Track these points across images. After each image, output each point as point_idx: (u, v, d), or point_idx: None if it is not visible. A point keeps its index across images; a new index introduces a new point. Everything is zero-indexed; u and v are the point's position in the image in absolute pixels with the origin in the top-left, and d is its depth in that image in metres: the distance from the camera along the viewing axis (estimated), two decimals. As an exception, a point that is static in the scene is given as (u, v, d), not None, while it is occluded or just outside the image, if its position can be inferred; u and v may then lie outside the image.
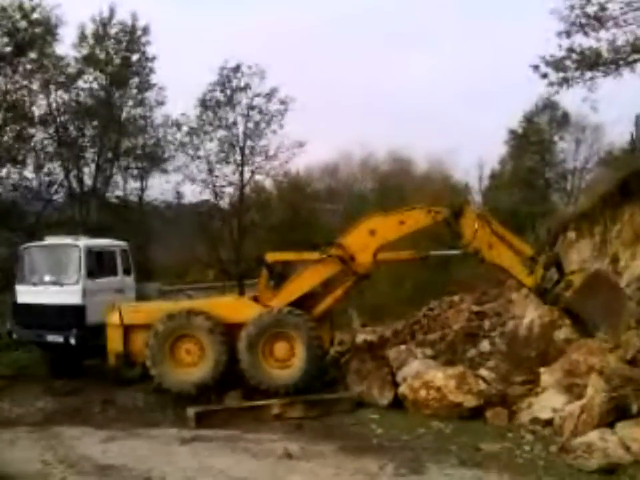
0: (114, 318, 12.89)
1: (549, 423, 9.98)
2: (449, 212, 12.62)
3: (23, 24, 25.98)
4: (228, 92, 32.76)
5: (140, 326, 12.76)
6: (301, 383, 12.17)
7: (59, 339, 14.46)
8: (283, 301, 12.69)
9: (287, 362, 12.35)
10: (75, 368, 15.30)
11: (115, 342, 12.81)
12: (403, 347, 13.84)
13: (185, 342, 12.44)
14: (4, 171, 26.96)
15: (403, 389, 11.83)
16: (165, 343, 12.33)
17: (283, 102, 32.71)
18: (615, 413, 9.32)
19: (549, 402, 10.36)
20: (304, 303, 12.84)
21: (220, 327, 12.43)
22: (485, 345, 14.08)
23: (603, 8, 16.13)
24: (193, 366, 12.38)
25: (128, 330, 12.82)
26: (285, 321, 12.34)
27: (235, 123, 33.13)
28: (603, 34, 16.31)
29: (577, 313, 11.71)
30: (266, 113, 32.92)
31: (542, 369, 11.37)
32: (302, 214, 35.56)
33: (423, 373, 11.82)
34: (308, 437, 10.42)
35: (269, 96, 32.70)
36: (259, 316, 12.40)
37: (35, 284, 15.13)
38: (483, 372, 11.88)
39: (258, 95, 32.78)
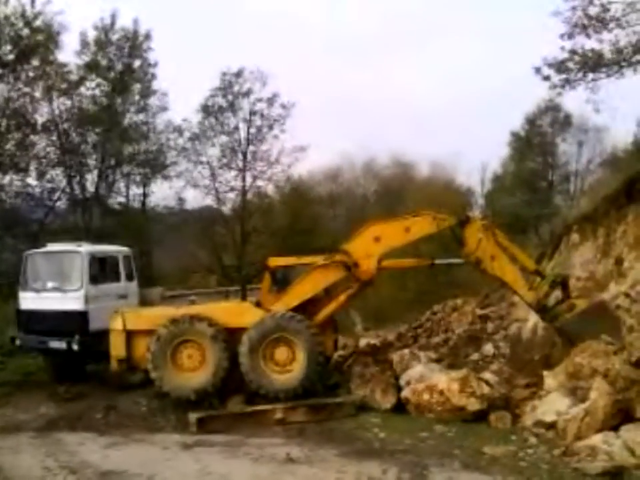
0: (117, 323, 12.89)
1: (552, 426, 9.93)
2: (455, 220, 12.61)
3: (25, 31, 26.01)
4: (230, 97, 32.87)
5: (143, 331, 12.77)
6: (301, 388, 12.14)
7: (62, 345, 14.44)
8: (285, 306, 12.68)
9: (288, 367, 12.33)
10: (77, 374, 15.30)
11: (117, 347, 12.81)
12: (406, 350, 13.80)
13: (187, 347, 12.44)
14: (7, 178, 26.99)
15: (406, 393, 11.79)
16: (166, 348, 12.33)
17: (284, 107, 32.82)
18: (619, 416, 9.31)
19: (552, 405, 10.30)
20: (307, 307, 12.84)
21: (222, 334, 12.43)
22: (488, 348, 14.07)
23: (605, 9, 16.08)
24: (194, 371, 12.38)
25: (131, 335, 12.83)
26: (286, 326, 12.32)
27: (236, 128, 33.25)
28: (605, 35, 16.26)
29: (571, 336, 11.60)
30: (268, 118, 33.03)
31: (545, 372, 11.33)
32: (304, 219, 35.53)
33: (426, 377, 11.79)
34: (310, 441, 10.38)
35: (271, 101, 32.80)
36: (260, 320, 12.40)
37: (37, 290, 15.13)
38: (487, 375, 11.83)
39: (260, 100, 32.91)
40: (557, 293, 12.33)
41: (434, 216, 12.57)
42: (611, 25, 16.18)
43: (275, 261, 13.46)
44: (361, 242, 12.68)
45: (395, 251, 13.07)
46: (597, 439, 8.88)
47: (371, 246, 12.55)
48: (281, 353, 12.35)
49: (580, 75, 16.77)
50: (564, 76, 16.91)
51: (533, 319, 13.79)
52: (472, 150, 65.09)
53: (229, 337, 12.48)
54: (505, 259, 12.26)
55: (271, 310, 12.67)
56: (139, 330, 12.82)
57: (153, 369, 12.32)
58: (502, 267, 12.25)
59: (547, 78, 17.22)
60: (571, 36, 16.62)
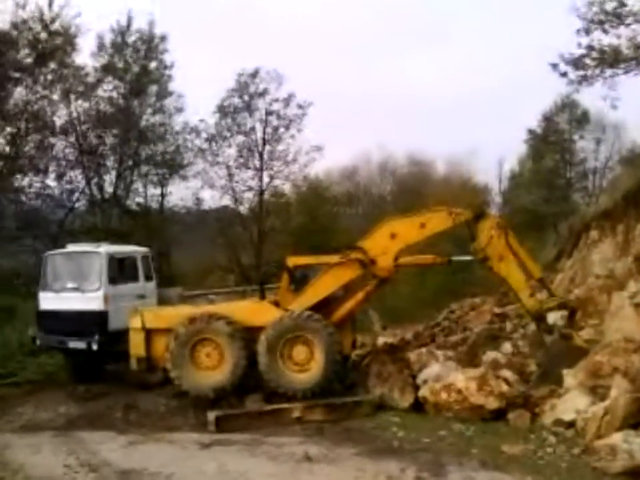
0: (136, 322, 12.95)
1: (571, 424, 9.85)
2: (470, 214, 12.57)
3: (43, 35, 26.27)
4: (246, 98, 32.99)
5: (162, 330, 12.82)
6: (318, 388, 12.14)
7: (82, 344, 14.55)
8: (303, 305, 12.67)
9: (306, 366, 12.33)
10: (97, 373, 15.41)
11: (137, 346, 12.87)
12: (424, 349, 13.78)
13: (205, 346, 12.49)
14: (26, 179, 27.31)
15: (423, 392, 11.76)
16: (185, 346, 12.38)
17: (300, 106, 32.88)
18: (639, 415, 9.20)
19: (572, 403, 10.22)
20: (325, 306, 12.83)
21: (240, 332, 12.47)
22: (506, 347, 13.97)
23: (622, 4, 15.99)
24: (212, 369, 12.43)
25: (150, 334, 12.88)
26: (304, 325, 12.32)
27: (253, 129, 33.42)
28: (622, 30, 16.16)
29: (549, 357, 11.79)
30: (284, 118, 33.12)
31: (565, 371, 11.25)
32: (321, 218, 35.56)
33: (444, 376, 11.75)
34: (328, 440, 10.39)
35: (287, 101, 32.89)
36: (278, 319, 12.41)
37: (57, 291, 15.25)
38: (506, 373, 11.76)
39: (276, 100, 33.03)
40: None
41: (449, 211, 12.54)
42: (628, 20, 16.08)
43: (294, 260, 13.43)
44: (377, 239, 12.65)
45: (413, 248, 13.04)
46: (617, 438, 8.78)
47: (387, 243, 12.52)
48: (299, 352, 12.36)
49: (597, 70, 16.66)
50: (581, 72, 16.82)
51: (552, 317, 13.69)
52: (488, 147, 64.78)
53: (247, 335, 12.51)
54: (512, 261, 12.21)
55: (288, 309, 12.69)
56: (158, 329, 12.88)
57: (172, 368, 12.39)
58: (508, 269, 12.21)
59: (564, 74, 17.16)
60: (587, 31, 16.54)
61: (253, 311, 13.18)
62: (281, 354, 12.29)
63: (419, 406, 11.76)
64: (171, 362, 12.39)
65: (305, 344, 12.35)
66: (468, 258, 13.24)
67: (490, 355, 12.96)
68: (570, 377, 11.04)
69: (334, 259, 12.88)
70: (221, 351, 12.42)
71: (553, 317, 12.44)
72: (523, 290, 12.31)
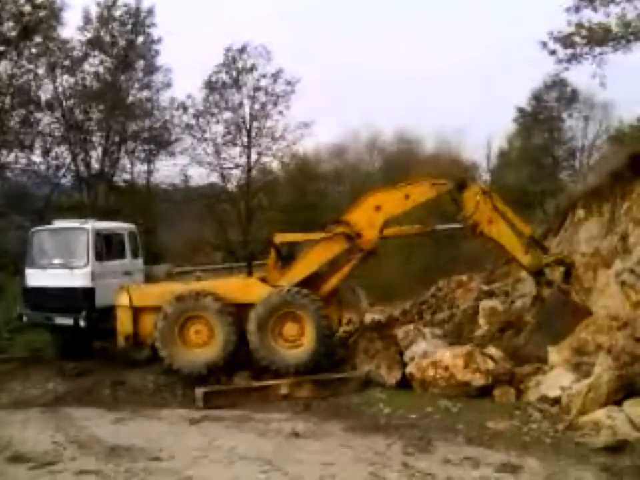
0: (123, 300, 12.94)
1: (556, 401, 9.99)
2: (453, 184, 12.80)
3: (27, 8, 25.86)
4: (234, 73, 32.68)
5: (149, 308, 12.83)
6: (311, 363, 12.24)
7: (69, 321, 14.54)
8: (291, 281, 12.73)
9: (297, 342, 12.42)
10: (84, 350, 15.41)
11: (124, 324, 12.86)
12: (411, 326, 13.84)
13: (194, 323, 12.51)
14: (12, 155, 27.10)
15: (410, 369, 11.86)
16: (174, 325, 12.40)
17: (289, 83, 32.66)
18: (623, 391, 9.36)
19: (556, 380, 10.36)
20: (311, 282, 12.87)
21: (229, 308, 12.50)
22: (492, 324, 14.06)
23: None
24: (203, 346, 12.46)
25: (137, 312, 12.88)
26: (293, 301, 12.38)
27: (241, 105, 33.11)
28: (612, 8, 16.08)
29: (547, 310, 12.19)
30: (272, 94, 32.88)
31: (550, 348, 11.37)
32: (309, 195, 35.48)
33: (431, 353, 11.85)
34: (316, 416, 10.51)
35: (275, 77, 32.64)
36: (267, 297, 12.44)
37: (44, 267, 15.19)
38: (491, 350, 11.87)
39: (264, 76, 32.74)
40: None
41: (432, 182, 12.83)
42: (619, -2, 16.00)
43: (281, 237, 13.47)
44: (362, 212, 12.76)
45: (398, 222, 13.19)
46: (600, 414, 8.94)
47: (372, 215, 12.65)
48: (289, 328, 12.44)
49: (586, 49, 16.61)
50: (570, 50, 16.77)
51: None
52: (477, 125, 64.59)
53: (236, 312, 12.54)
54: (502, 222, 12.47)
55: (277, 286, 12.70)
56: (146, 306, 12.87)
57: (162, 347, 12.40)
58: (499, 231, 12.46)
59: (553, 52, 17.09)
60: (577, 9, 16.45)
61: (242, 287, 13.21)
62: (271, 331, 12.35)
63: (405, 383, 11.88)
64: (160, 341, 12.40)
65: (294, 320, 12.42)
66: (454, 226, 13.50)
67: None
68: (555, 354, 11.18)
69: (320, 235, 12.93)
70: (210, 328, 12.45)
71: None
72: (517, 248, 12.58)
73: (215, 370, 12.34)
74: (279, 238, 13.43)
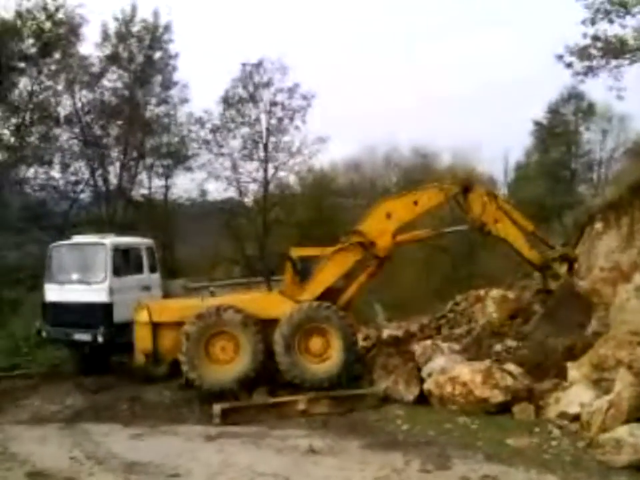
0: (142, 316, 12.76)
1: (576, 418, 9.84)
2: (458, 187, 13.15)
3: (47, 25, 26.30)
4: (250, 88, 32.85)
5: (169, 324, 12.64)
6: (343, 374, 12.28)
7: (87, 336, 14.62)
8: (312, 294, 12.75)
9: (324, 355, 12.38)
10: (102, 365, 15.47)
11: (143, 340, 12.64)
12: (429, 341, 13.75)
13: (219, 339, 12.29)
14: (31, 171, 27.42)
15: (428, 384, 11.77)
16: (198, 344, 12.12)
17: (305, 97, 32.76)
18: (645, 408, 9.20)
19: (576, 397, 10.22)
20: (328, 295, 12.88)
21: (252, 318, 12.37)
22: (511, 340, 13.94)
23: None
24: (231, 362, 12.24)
25: (156, 328, 12.67)
26: (317, 316, 12.36)
27: (257, 120, 33.24)
28: (628, 20, 16.04)
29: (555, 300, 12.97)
30: (289, 109, 32.98)
31: (569, 364, 11.24)
32: (326, 209, 35.48)
33: (449, 368, 11.74)
34: (333, 432, 10.42)
35: (291, 91, 32.75)
36: (289, 315, 12.35)
37: (62, 282, 15.30)
38: (510, 367, 11.77)
39: (280, 91, 32.86)
40: None
41: (440, 187, 13.20)
42: (635, 10, 15.94)
43: (297, 251, 13.51)
44: (374, 220, 12.99)
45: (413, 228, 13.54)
46: (622, 431, 8.79)
47: (383, 223, 12.89)
48: (315, 342, 12.40)
49: (603, 61, 16.56)
50: (586, 63, 16.72)
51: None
52: (494, 139, 64.46)
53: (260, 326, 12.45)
54: (507, 221, 13.00)
55: (298, 300, 12.66)
56: (165, 322, 12.68)
57: (190, 369, 12.09)
58: (505, 229, 13.00)
59: (569, 65, 17.05)
60: (593, 22, 16.41)
61: (263, 302, 13.14)
62: (298, 348, 12.28)
63: (423, 399, 11.78)
64: (187, 363, 12.10)
65: (319, 334, 12.40)
66: (460, 228, 14.13)
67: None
68: (574, 370, 11.04)
69: (336, 247, 13.05)
70: (236, 342, 12.26)
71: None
72: (523, 245, 13.15)
73: (247, 383, 12.18)
74: (295, 252, 13.45)
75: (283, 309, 12.57)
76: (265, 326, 12.44)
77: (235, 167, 33.54)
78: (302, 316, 12.34)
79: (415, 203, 12.93)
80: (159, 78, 31.43)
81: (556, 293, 13.07)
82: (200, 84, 40.35)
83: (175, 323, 12.53)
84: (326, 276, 12.97)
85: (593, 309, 12.87)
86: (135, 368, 14.19)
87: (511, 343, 13.39)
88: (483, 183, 15.12)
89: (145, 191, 32.48)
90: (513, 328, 13.48)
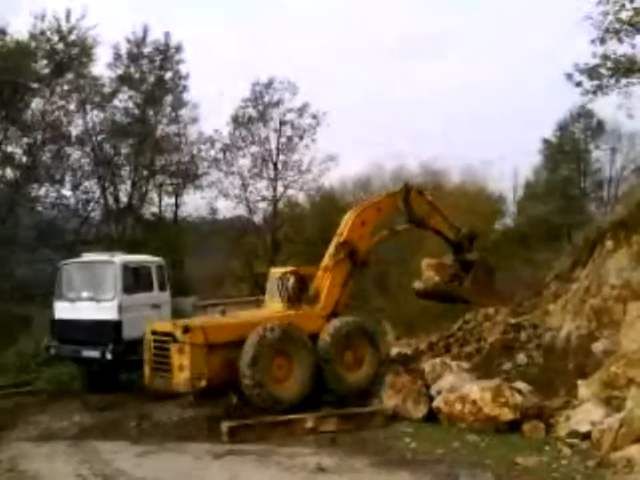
0: (196, 337, 11.98)
1: (587, 436, 9.78)
2: (402, 191, 14.86)
3: (60, 46, 26.65)
4: (260, 108, 33.06)
5: (223, 344, 12.18)
6: (374, 377, 13.07)
7: (96, 354, 14.64)
8: (330, 307, 13.54)
9: (360, 365, 13.19)
10: (111, 383, 15.48)
11: (197, 365, 11.90)
12: (437, 360, 13.70)
13: (277, 357, 12.32)
14: (43, 189, 27.60)
15: (437, 403, 11.72)
16: (265, 362, 12.01)
17: (314, 116, 32.93)
18: (656, 426, 9.11)
19: (587, 415, 10.15)
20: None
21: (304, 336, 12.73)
22: (521, 358, 13.87)
23: (637, 13, 15.92)
24: (289, 379, 12.39)
25: (211, 349, 12.10)
26: (356, 330, 13.25)
27: (267, 139, 33.42)
28: (637, 40, 16.10)
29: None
30: (298, 128, 33.15)
31: (579, 381, 11.17)
32: (335, 227, 35.41)
33: (458, 386, 11.71)
34: (342, 450, 10.38)
35: (301, 111, 32.94)
36: (337, 328, 13.02)
37: (72, 300, 15.37)
38: (520, 385, 11.69)
39: (290, 110, 33.05)
40: None
41: (393, 193, 15.19)
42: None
43: (303, 270, 14.15)
44: (354, 229, 14.13)
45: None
46: (633, 450, 8.71)
47: (361, 230, 14.21)
48: (349, 355, 13.10)
49: (612, 80, 16.60)
50: (596, 82, 16.76)
51: (567, 327, 13.65)
52: (504, 157, 64.32)
53: None
54: (437, 214, 15.35)
55: (321, 315, 13.40)
56: (220, 343, 12.17)
57: (254, 387, 11.91)
58: (436, 221, 15.35)
59: (578, 84, 17.10)
60: (602, 41, 16.47)
61: (301, 319, 13.27)
62: (340, 361, 12.90)
63: (432, 417, 11.74)
64: (255, 389, 11.91)
65: (352, 347, 13.14)
66: (403, 226, 15.42)
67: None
68: (584, 388, 10.98)
69: (333, 260, 13.88)
70: (289, 359, 12.44)
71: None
72: (448, 232, 15.63)
73: (305, 398, 12.39)
74: (302, 270, 14.13)
75: (317, 324, 13.17)
76: None
77: (244, 185, 33.67)
78: (348, 329, 13.10)
79: (379, 209, 14.59)
80: (169, 98, 31.73)
81: (477, 261, 16.02)
82: (210, 104, 40.65)
83: (228, 342, 12.21)
84: (334, 287, 13.75)
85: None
86: (143, 385, 14.14)
87: (520, 360, 13.32)
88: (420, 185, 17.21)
89: (155, 209, 32.72)
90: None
